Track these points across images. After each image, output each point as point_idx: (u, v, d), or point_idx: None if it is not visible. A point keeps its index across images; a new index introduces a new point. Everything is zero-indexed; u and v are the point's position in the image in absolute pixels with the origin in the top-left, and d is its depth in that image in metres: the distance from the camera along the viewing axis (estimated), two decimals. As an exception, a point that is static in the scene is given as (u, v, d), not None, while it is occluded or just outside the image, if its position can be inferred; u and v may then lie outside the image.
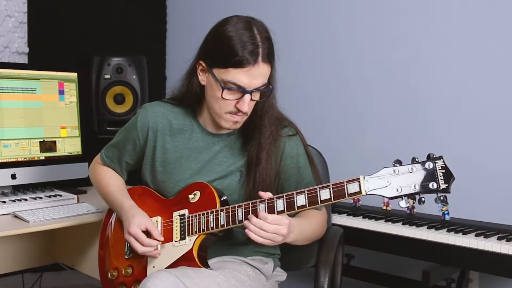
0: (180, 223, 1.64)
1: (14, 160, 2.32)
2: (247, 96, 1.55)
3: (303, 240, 1.65)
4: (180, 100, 1.73)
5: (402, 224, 2.01)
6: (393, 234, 1.97)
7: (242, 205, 1.55)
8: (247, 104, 1.55)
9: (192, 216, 1.62)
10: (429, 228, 1.95)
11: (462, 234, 1.86)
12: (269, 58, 1.55)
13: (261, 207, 1.51)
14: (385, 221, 2.05)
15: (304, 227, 1.62)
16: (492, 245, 1.77)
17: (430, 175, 1.37)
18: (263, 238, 1.48)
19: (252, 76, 1.52)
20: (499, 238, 1.81)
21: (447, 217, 2.06)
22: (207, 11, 3.15)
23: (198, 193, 1.64)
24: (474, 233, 1.87)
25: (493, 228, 1.94)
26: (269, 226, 1.48)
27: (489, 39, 2.16)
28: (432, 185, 1.36)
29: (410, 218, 2.07)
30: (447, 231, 1.90)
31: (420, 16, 2.34)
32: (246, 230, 1.50)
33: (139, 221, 1.63)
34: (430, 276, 1.85)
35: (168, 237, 1.65)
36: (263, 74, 1.54)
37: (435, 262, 1.92)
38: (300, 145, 1.71)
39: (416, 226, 1.96)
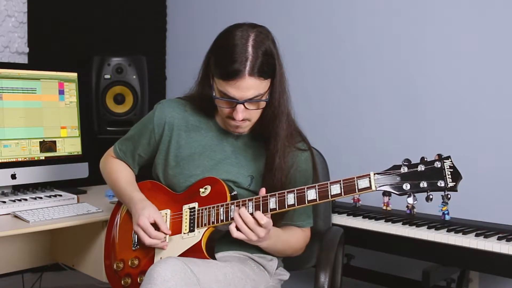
0: (190, 215, 1.66)
1: (14, 160, 2.32)
2: (239, 106, 1.56)
3: (274, 251, 1.71)
4: (197, 99, 1.75)
5: (402, 224, 2.01)
6: (393, 234, 1.97)
7: (253, 198, 1.57)
8: (240, 113, 1.57)
9: (202, 209, 1.65)
10: (429, 228, 1.95)
11: (462, 234, 1.86)
12: (260, 72, 1.53)
13: (272, 201, 1.54)
14: (385, 221, 2.05)
15: (281, 239, 1.68)
16: (492, 245, 1.77)
17: (439, 174, 1.40)
18: (240, 231, 1.53)
19: (240, 88, 1.53)
20: (499, 238, 1.81)
21: (447, 217, 2.06)
22: (207, 12, 3.14)
23: (209, 187, 1.67)
24: (474, 233, 1.87)
25: (493, 228, 1.94)
26: (251, 221, 1.52)
27: (489, 39, 2.16)
28: (440, 183, 1.40)
29: (410, 218, 2.07)
30: (447, 231, 1.90)
31: (420, 16, 2.34)
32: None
33: (148, 213, 1.66)
34: (430, 276, 1.85)
35: (176, 229, 1.67)
36: (252, 87, 1.54)
37: (435, 262, 1.92)
38: (310, 160, 1.75)
39: (416, 226, 1.96)
